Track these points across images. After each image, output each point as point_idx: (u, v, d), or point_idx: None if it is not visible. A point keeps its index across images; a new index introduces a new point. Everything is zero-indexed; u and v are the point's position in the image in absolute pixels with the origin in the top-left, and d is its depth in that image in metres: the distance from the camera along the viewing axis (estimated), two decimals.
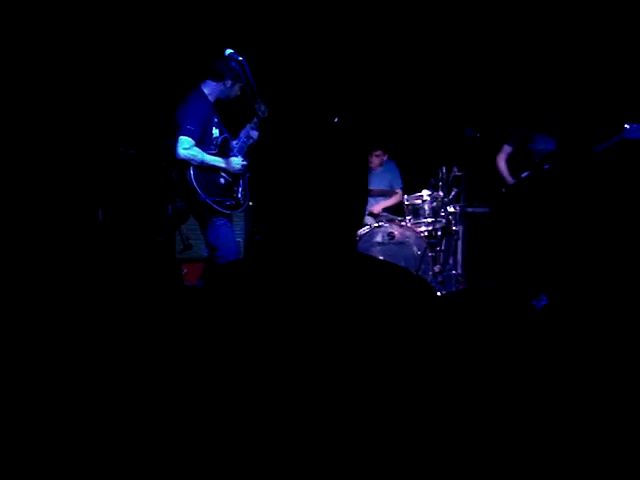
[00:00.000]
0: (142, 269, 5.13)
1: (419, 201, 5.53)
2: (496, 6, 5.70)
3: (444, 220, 5.47)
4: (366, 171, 1.30)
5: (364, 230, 5.29)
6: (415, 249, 5.26)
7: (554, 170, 4.92)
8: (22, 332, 3.07)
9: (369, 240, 5.28)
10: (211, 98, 4.25)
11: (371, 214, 5.80)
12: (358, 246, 5.22)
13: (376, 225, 5.32)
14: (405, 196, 5.66)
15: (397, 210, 5.90)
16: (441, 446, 1.16)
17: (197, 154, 4.08)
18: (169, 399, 1.21)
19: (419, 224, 5.47)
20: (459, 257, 5.57)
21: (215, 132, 4.27)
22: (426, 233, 5.42)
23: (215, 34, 5.52)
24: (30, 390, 2.50)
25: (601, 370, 2.97)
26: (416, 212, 5.56)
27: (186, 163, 4.07)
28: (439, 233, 5.52)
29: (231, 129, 4.44)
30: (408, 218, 5.53)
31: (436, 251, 5.47)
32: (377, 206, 5.87)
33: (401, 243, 5.28)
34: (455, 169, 5.54)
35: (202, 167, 4.11)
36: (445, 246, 5.54)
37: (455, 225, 5.52)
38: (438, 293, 5.21)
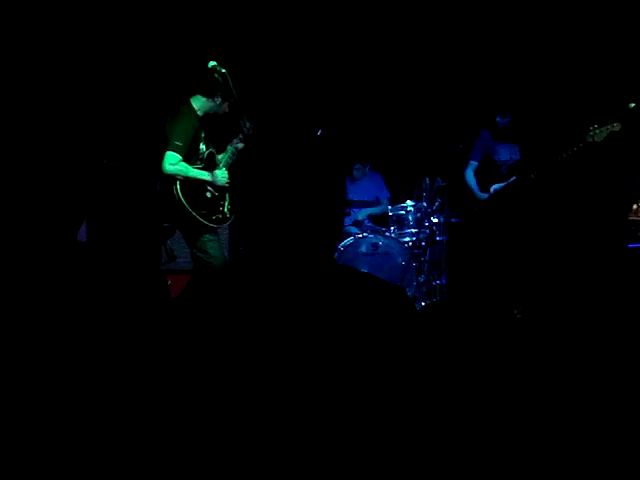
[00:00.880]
0: (127, 281, 5.12)
1: (403, 212, 5.58)
2: (470, 21, 5.77)
3: (428, 230, 5.51)
4: (344, 186, 1.33)
5: (348, 241, 5.31)
6: (399, 259, 5.30)
7: (522, 182, 4.92)
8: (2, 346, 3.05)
9: (353, 251, 5.31)
10: (200, 113, 4.25)
11: (355, 223, 5.82)
12: (342, 257, 5.25)
13: (360, 236, 5.35)
14: (389, 207, 5.70)
15: (381, 221, 5.93)
16: (418, 450, 1.18)
17: (183, 169, 4.08)
18: (153, 409, 1.22)
19: (403, 234, 5.51)
20: (443, 267, 5.61)
21: (202, 147, 4.27)
22: (410, 244, 5.46)
23: (201, 48, 5.53)
24: (10, 405, 2.49)
25: (579, 377, 3.01)
26: (400, 223, 5.60)
27: (172, 178, 4.07)
28: (423, 243, 5.56)
29: (216, 144, 4.45)
30: (392, 229, 5.57)
31: (420, 261, 5.51)
32: (361, 213, 5.88)
33: (385, 254, 5.32)
34: (438, 180, 5.58)
35: (189, 182, 4.11)
36: (429, 256, 5.58)
37: (439, 235, 5.55)
38: (422, 303, 5.25)
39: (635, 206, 5.55)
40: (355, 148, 5.93)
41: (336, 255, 5.22)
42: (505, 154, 5.09)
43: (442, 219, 5.57)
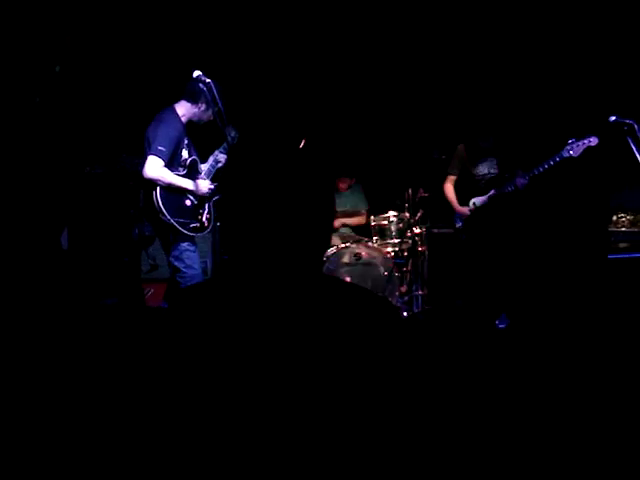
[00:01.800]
0: (108, 290, 5.08)
1: (385, 222, 5.60)
2: (454, 33, 5.83)
3: (410, 241, 5.53)
4: (332, 196, 1.33)
5: (331, 250, 5.32)
6: (382, 269, 5.31)
7: (501, 196, 4.96)
8: None
9: (336, 260, 5.32)
10: (184, 119, 4.24)
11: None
12: (325, 267, 5.25)
13: (343, 246, 5.36)
14: (372, 217, 5.72)
15: (364, 231, 5.95)
16: (401, 459, 1.18)
17: (165, 175, 4.06)
18: (132, 422, 1.21)
19: (386, 245, 5.53)
20: (425, 277, 5.63)
21: (184, 154, 4.25)
22: (393, 254, 5.47)
23: (185, 55, 5.53)
24: None
25: (560, 386, 3.03)
26: (383, 233, 5.62)
27: (153, 183, 4.04)
28: (405, 254, 5.57)
29: (200, 152, 4.44)
30: (375, 239, 5.59)
31: (402, 271, 5.52)
32: (337, 221, 5.87)
33: (368, 264, 5.33)
34: (421, 191, 5.61)
35: (169, 188, 4.09)
36: (411, 267, 5.59)
37: (421, 246, 5.58)
38: (404, 313, 5.26)
39: (615, 217, 5.61)
40: (339, 159, 5.95)
41: None
42: (483, 168, 5.10)
43: (424, 229, 5.60)
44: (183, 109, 4.24)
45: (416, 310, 5.41)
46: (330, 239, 1.39)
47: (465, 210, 5.16)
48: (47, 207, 5.16)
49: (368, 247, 5.42)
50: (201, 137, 4.51)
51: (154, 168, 4.01)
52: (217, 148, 4.43)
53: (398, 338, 1.24)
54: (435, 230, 5.71)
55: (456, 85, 6.01)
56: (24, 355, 3.09)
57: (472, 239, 5.09)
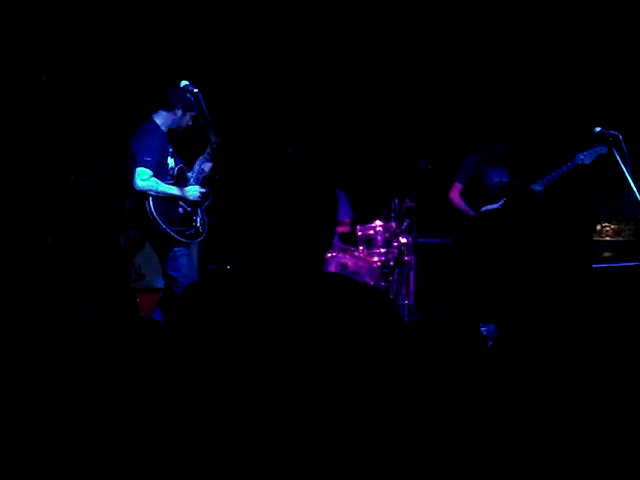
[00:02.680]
0: (93, 300, 5.05)
1: (372, 231, 5.60)
2: (449, 40, 5.87)
3: (396, 250, 5.54)
4: (335, 200, 1.36)
5: None
6: (368, 279, 5.31)
7: (513, 204, 4.99)
8: None
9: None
10: (164, 128, 4.24)
11: None
12: None
13: (329, 255, 5.36)
14: (358, 226, 5.72)
15: (350, 240, 5.95)
16: (395, 456, 1.19)
17: (155, 184, 4.05)
18: (127, 427, 1.21)
19: (372, 254, 5.53)
20: (411, 287, 5.64)
21: (170, 162, 4.25)
22: (379, 263, 5.48)
23: (167, 64, 5.54)
24: None
25: (548, 396, 3.05)
26: (369, 242, 5.62)
27: (144, 195, 4.03)
28: (392, 263, 5.57)
29: (184, 159, 4.43)
30: (361, 248, 5.59)
31: (389, 281, 5.52)
32: None
33: (354, 273, 5.33)
34: (407, 200, 5.62)
35: (161, 197, 4.08)
36: (397, 276, 5.60)
37: (407, 255, 5.59)
38: None
39: (599, 227, 5.67)
40: (325, 168, 5.94)
41: None
42: (495, 177, 5.13)
43: (410, 239, 5.61)
44: (162, 118, 4.24)
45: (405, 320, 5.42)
46: (332, 240, 1.41)
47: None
48: (32, 215, 5.12)
49: (355, 257, 5.43)
50: (185, 144, 4.50)
51: (143, 179, 4.00)
52: (201, 155, 4.42)
53: (398, 332, 1.26)
54: (421, 240, 5.72)
55: (446, 94, 6.05)
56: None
57: (477, 242, 5.07)
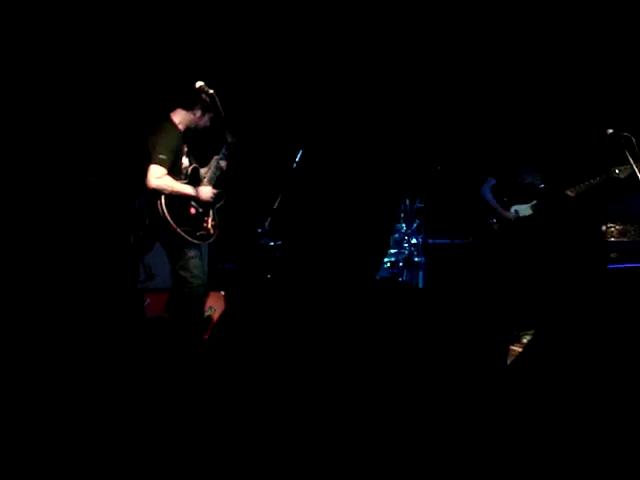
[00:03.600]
0: (102, 298, 5.02)
1: None
2: (462, 41, 5.87)
3: (406, 251, 5.54)
4: (393, 210, 1.37)
5: None
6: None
7: (546, 208, 5.04)
8: None
9: None
10: (181, 127, 4.19)
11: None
12: None
13: None
14: None
15: None
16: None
17: (169, 183, 4.01)
18: (128, 427, 1.21)
19: None
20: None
21: (185, 161, 4.20)
22: (389, 264, 5.48)
23: (180, 62, 5.51)
24: None
25: (563, 393, 3.05)
26: None
27: (157, 192, 3.99)
28: (401, 264, 5.58)
29: (199, 158, 4.39)
30: None
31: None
32: None
33: None
34: (417, 202, 5.62)
35: (173, 197, 4.03)
36: (407, 277, 5.60)
37: (417, 256, 5.59)
38: None
39: (604, 228, 5.68)
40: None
41: None
42: (527, 177, 5.17)
43: (421, 240, 5.62)
44: (179, 117, 4.19)
45: None
46: (388, 247, 1.43)
47: (509, 215, 5.20)
48: (41, 215, 5.10)
49: None
50: (200, 143, 4.47)
51: (157, 177, 3.95)
52: (216, 154, 4.38)
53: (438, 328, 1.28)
54: (431, 241, 5.72)
55: (457, 96, 6.04)
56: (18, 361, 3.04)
57: (508, 246, 5.10)
